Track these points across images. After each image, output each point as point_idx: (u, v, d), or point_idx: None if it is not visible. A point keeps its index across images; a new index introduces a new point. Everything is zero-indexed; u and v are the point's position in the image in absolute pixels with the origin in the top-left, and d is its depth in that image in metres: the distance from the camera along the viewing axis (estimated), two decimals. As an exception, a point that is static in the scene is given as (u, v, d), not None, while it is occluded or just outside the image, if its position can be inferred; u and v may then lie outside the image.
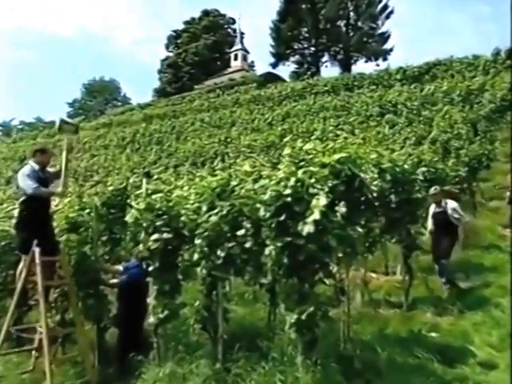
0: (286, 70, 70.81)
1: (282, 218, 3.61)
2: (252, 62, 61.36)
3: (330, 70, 50.89)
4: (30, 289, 5.36)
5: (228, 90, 38.14)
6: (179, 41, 59.21)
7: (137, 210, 4.86)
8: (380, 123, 18.47)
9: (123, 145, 30.34)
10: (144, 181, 5.68)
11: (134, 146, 29.40)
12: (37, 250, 4.88)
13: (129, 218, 4.96)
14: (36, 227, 5.05)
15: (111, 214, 6.71)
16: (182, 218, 4.75)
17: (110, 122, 39.46)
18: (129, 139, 30.96)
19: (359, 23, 45.92)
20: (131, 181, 7.68)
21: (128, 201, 5.99)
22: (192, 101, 38.05)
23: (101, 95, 68.08)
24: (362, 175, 4.19)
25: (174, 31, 61.39)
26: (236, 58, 54.53)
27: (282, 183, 3.67)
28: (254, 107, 29.95)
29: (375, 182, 5.51)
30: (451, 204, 6.72)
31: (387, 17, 44.63)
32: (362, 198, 4.35)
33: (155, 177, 6.33)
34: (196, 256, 4.56)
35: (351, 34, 46.00)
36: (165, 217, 4.70)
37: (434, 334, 4.89)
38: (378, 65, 42.64)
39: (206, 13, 59.99)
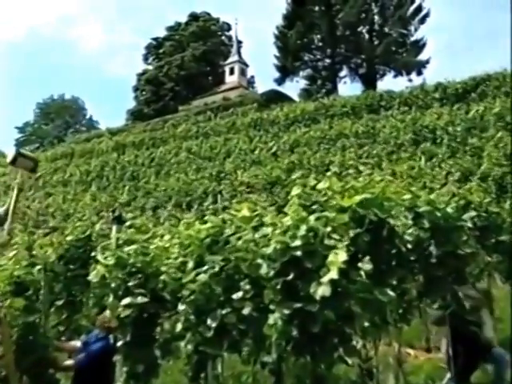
0: (294, 88, 72.66)
1: (290, 277, 3.62)
2: (252, 77, 63.19)
3: (349, 87, 52.45)
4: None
5: (222, 111, 38.84)
6: (161, 51, 61.04)
7: (104, 266, 4.87)
8: (414, 154, 18.71)
9: (87, 181, 30.62)
10: (114, 228, 5.71)
11: (102, 182, 29.67)
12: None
13: (93, 277, 4.96)
14: None
15: (70, 270, 6.69)
16: (162, 277, 4.74)
17: (72, 151, 39.98)
18: (95, 174, 31.27)
19: (386, 29, 47.22)
20: (97, 228, 7.69)
21: (92, 254, 6.00)
22: (176, 125, 38.68)
23: (60, 118, 69.35)
24: (392, 222, 4.23)
25: (155, 39, 63.47)
26: (232, 73, 55.93)
27: (290, 232, 3.70)
28: (255, 134, 30.40)
29: (410, 231, 5.52)
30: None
31: (422, 21, 45.89)
32: (393, 251, 4.37)
33: (128, 223, 6.37)
34: (179, 326, 4.53)
35: (376, 42, 47.28)
36: (140, 275, 4.71)
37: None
38: (410, 80, 43.74)
39: (194, 17, 62.12)
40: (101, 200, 24.40)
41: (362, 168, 15.71)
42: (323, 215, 3.75)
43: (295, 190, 4.20)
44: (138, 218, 15.08)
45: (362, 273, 3.65)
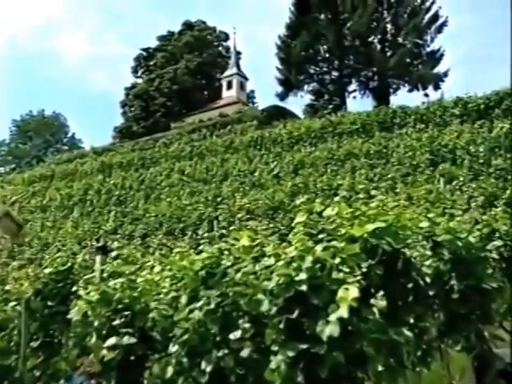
0: (298, 103, 73.18)
1: (295, 314, 3.60)
2: (252, 91, 63.82)
3: (359, 103, 52.53)
4: None
5: (218, 129, 39.06)
6: (151, 63, 61.63)
7: (86, 303, 4.85)
8: (432, 176, 18.73)
9: (69, 206, 30.60)
10: (98, 259, 5.71)
11: (85, 207, 29.64)
12: None
13: (74, 314, 4.94)
14: None
15: (48, 307, 6.65)
16: (152, 315, 4.72)
17: (52, 173, 40.05)
18: (77, 198, 31.26)
19: (399, 39, 47.58)
20: (79, 259, 7.68)
21: (73, 288, 5.97)
22: (168, 144, 38.85)
23: (39, 136, 69.68)
24: (408, 252, 4.22)
25: (145, 49, 64.10)
26: (230, 87, 56.50)
27: (294, 264, 3.69)
28: (255, 154, 30.51)
29: (428, 262, 5.52)
30: None
31: (439, 30, 46.27)
32: (410, 286, 4.35)
33: (114, 253, 6.37)
34: (170, 370, 4.49)
35: (389, 53, 47.66)
36: (127, 313, 4.69)
37: None
38: (427, 95, 43.88)
39: (188, 25, 62.88)
40: (83, 227, 24.35)
41: (373, 192, 15.65)
42: (331, 245, 3.74)
43: (300, 217, 4.21)
44: (125, 248, 15.01)
45: (375, 310, 3.64)
